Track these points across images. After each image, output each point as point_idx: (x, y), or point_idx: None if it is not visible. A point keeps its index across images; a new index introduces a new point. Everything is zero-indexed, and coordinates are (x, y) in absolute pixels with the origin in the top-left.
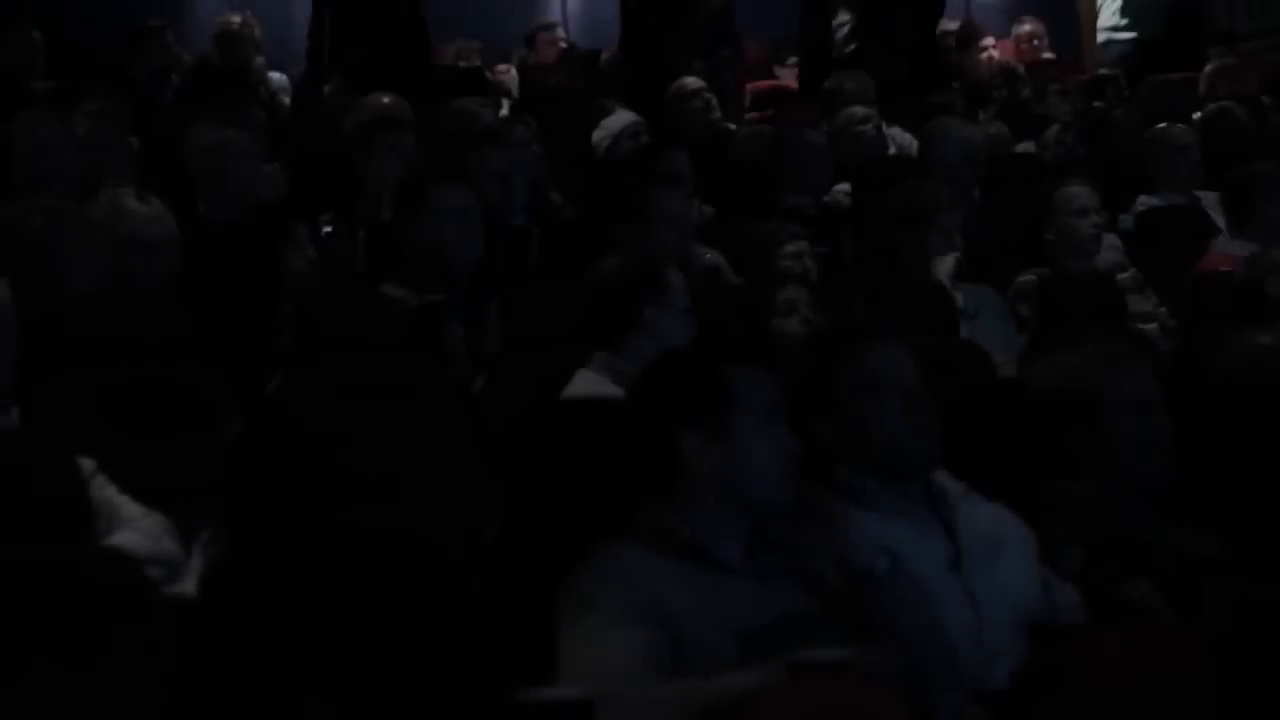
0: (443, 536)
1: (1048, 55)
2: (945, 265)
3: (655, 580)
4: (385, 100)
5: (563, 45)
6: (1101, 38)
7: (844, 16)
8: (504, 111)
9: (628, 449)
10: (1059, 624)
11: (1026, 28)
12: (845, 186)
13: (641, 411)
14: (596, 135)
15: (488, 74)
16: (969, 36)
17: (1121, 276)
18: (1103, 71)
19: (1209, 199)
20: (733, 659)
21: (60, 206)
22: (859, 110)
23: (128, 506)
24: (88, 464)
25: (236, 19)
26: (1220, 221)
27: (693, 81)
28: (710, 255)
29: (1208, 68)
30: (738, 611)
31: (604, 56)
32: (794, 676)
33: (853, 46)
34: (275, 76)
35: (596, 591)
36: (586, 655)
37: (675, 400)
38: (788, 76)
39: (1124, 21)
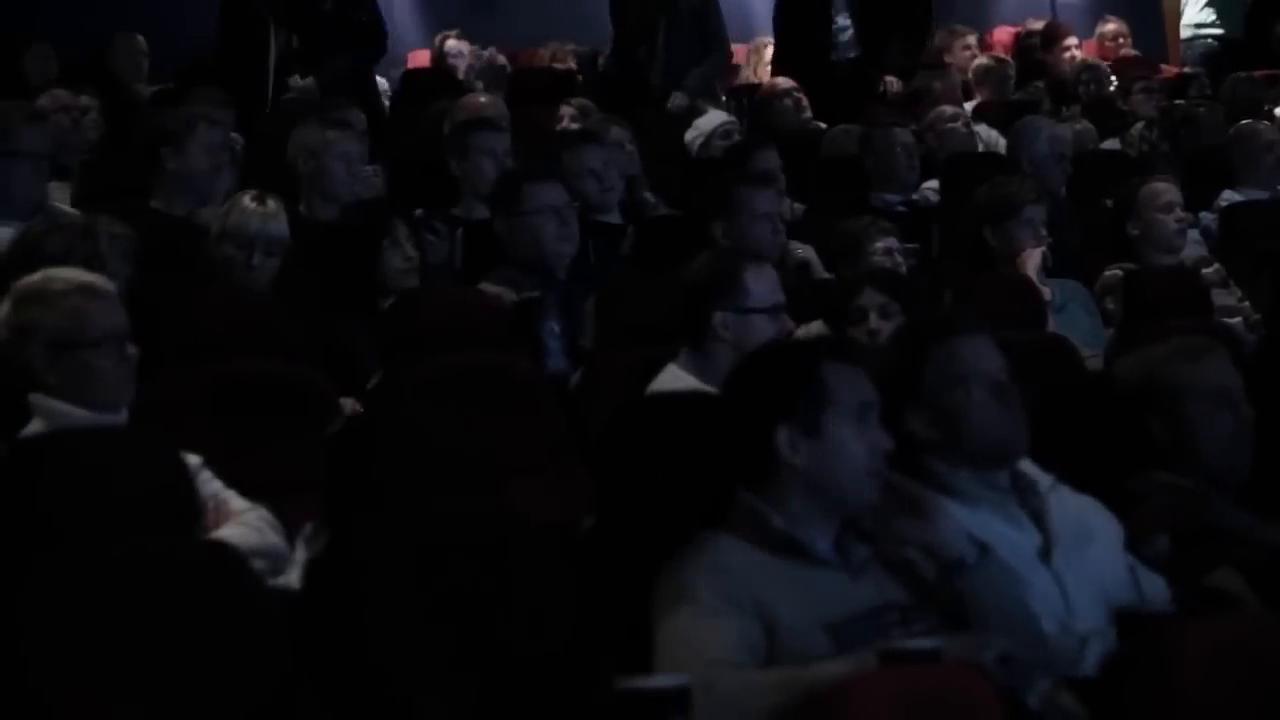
0: (541, 528)
1: (1132, 53)
2: (1033, 260)
3: (751, 572)
4: (483, 101)
5: None
6: (1185, 34)
7: (844, 21)
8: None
9: (722, 443)
10: (1147, 612)
11: (1111, 26)
12: (934, 183)
13: (736, 405)
14: (689, 134)
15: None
16: (1053, 36)
17: (1205, 271)
18: (1186, 69)
19: None
20: (825, 650)
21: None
22: (948, 109)
23: (233, 501)
24: (194, 459)
25: None
26: None
27: (783, 81)
28: (802, 251)
29: None
30: (830, 603)
31: (600, 60)
32: (886, 665)
33: (854, 54)
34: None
35: (694, 582)
36: (683, 644)
37: (769, 395)
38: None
39: (1208, 20)
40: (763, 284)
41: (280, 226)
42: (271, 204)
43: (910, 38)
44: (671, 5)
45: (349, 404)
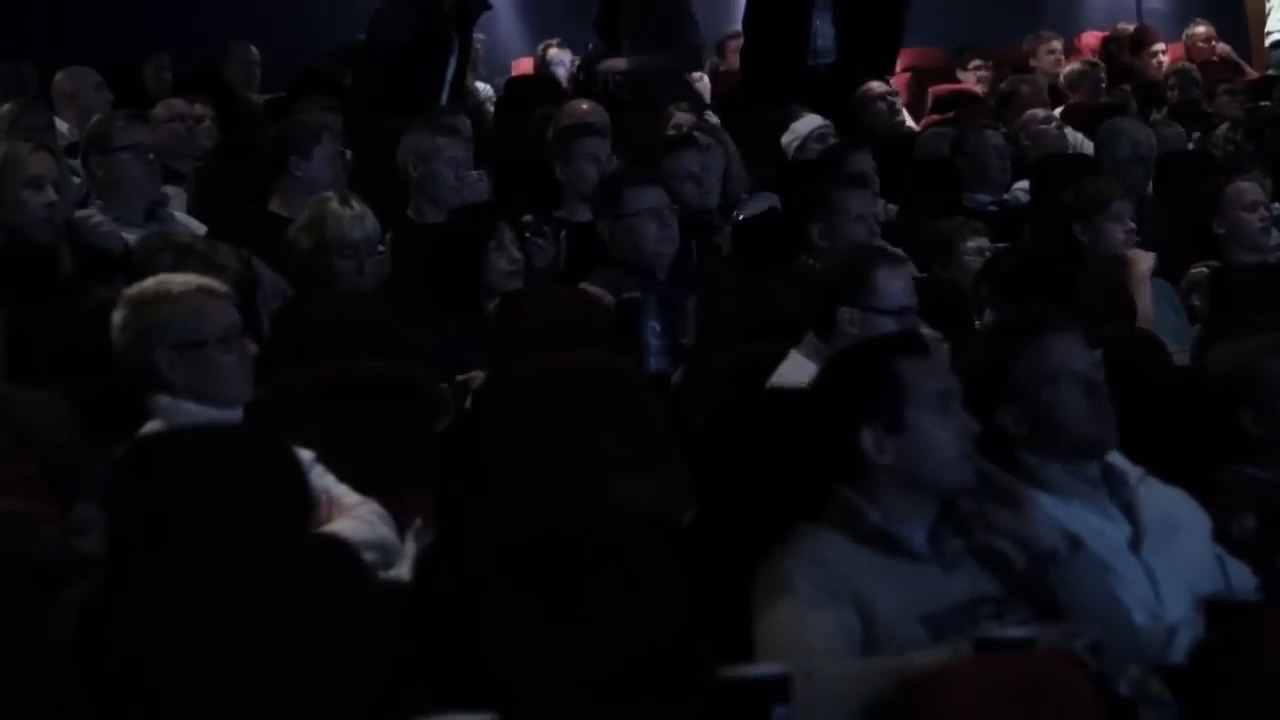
0: (643, 522)
1: (1219, 57)
2: (1145, 261)
3: (848, 564)
4: (584, 107)
5: None
6: (1269, 40)
7: (822, 26)
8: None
9: (813, 444)
10: (1234, 600)
11: (1200, 29)
12: (1024, 184)
13: (820, 413)
14: (786, 138)
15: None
16: (1140, 40)
17: None
18: (1270, 72)
19: None
20: (922, 641)
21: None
22: (1040, 111)
23: (346, 495)
24: (307, 455)
25: None
26: None
27: (877, 85)
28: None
29: None
30: (925, 594)
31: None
32: (981, 655)
33: (832, 60)
34: (481, 87)
35: (793, 574)
36: (783, 634)
37: (850, 400)
38: (968, 80)
39: None
40: (894, 284)
41: (374, 222)
42: (356, 204)
43: (886, 38)
44: (634, 4)
45: (477, 376)
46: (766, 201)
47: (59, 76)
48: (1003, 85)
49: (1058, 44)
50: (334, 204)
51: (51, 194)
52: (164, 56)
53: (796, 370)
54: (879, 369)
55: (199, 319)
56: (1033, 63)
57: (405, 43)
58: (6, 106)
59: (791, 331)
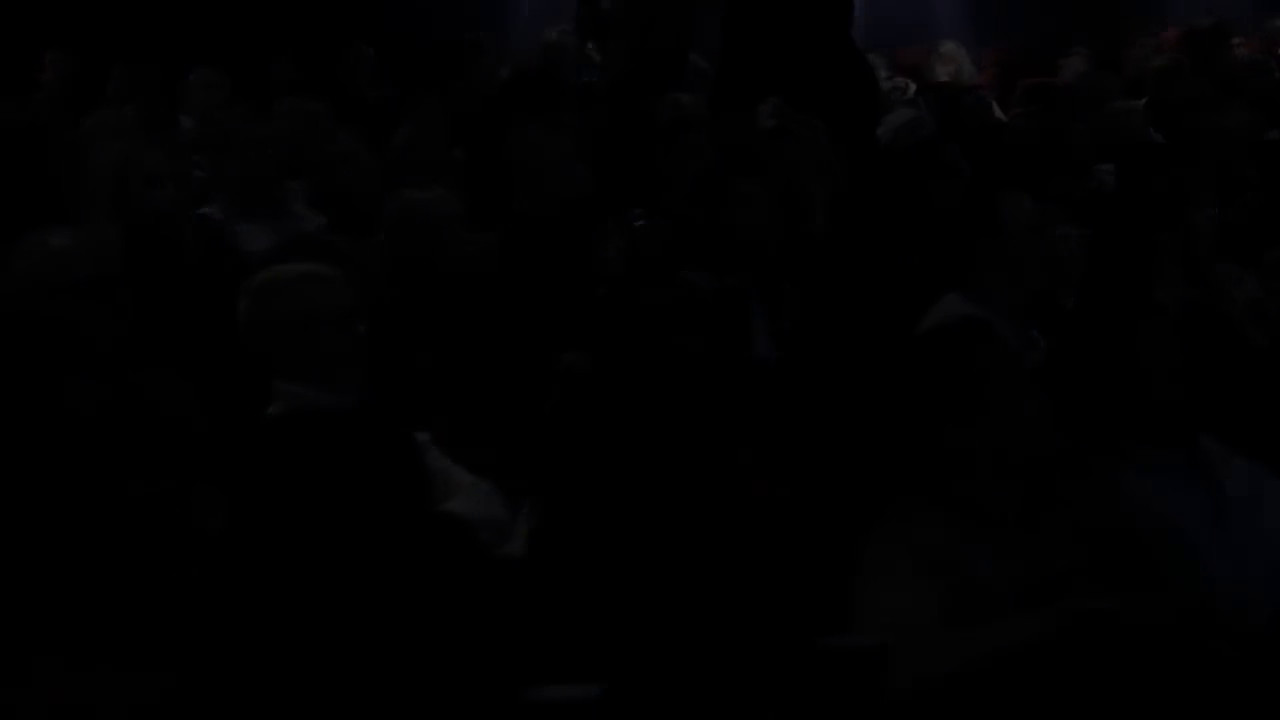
0: (748, 501)
1: None
2: (1246, 286)
3: (944, 538)
4: (684, 101)
5: None
6: None
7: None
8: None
9: (900, 435)
10: None
11: (1277, 23)
12: (1109, 166)
13: (903, 407)
14: (879, 130)
15: None
16: (1219, 34)
17: None
18: None
19: None
20: (1012, 609)
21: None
22: (1124, 103)
23: (460, 475)
24: (423, 437)
25: (554, 33)
26: None
27: (966, 79)
28: None
29: None
30: (1017, 565)
31: None
32: (1070, 625)
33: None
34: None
35: (890, 548)
36: (881, 606)
37: (928, 395)
38: (1074, 64)
39: None
40: (1021, 204)
41: (451, 202)
42: (435, 189)
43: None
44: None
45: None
46: None
47: (185, 77)
48: (1074, 81)
49: (1152, 40)
50: (411, 192)
51: (170, 190)
52: (285, 55)
53: (950, 309)
54: (952, 364)
55: (306, 302)
56: (1128, 56)
57: None
58: (130, 107)
59: (887, 316)
